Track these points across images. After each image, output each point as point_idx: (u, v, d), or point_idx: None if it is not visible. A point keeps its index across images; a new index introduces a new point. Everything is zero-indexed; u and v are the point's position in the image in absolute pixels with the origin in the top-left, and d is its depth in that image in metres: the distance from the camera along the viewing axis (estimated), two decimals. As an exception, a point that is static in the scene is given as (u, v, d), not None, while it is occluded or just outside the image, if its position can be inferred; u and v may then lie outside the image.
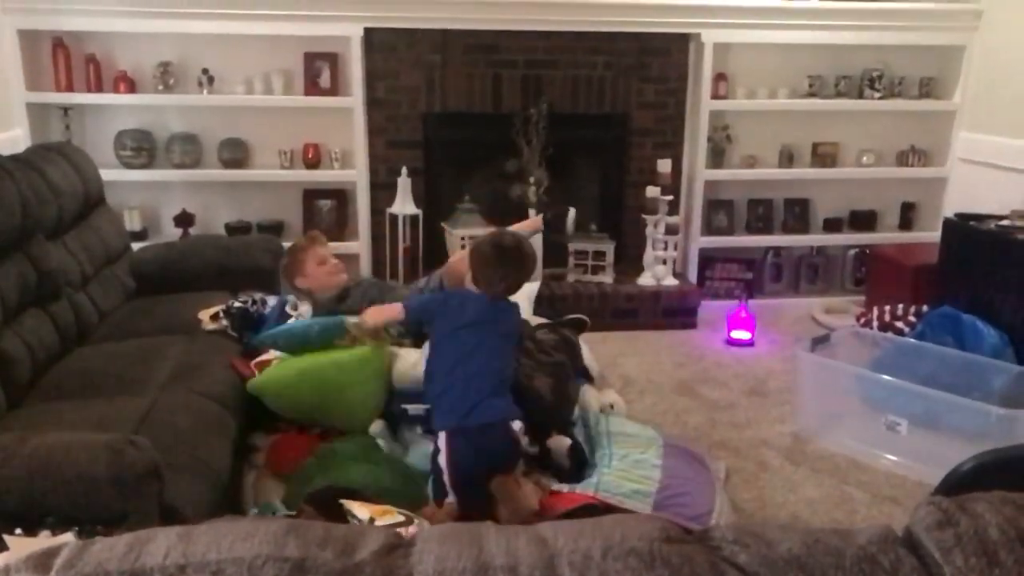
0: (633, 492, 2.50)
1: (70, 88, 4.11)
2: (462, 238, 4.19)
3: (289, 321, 3.02)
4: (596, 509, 2.36)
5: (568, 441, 2.68)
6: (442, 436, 2.38)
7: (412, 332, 2.98)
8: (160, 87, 4.19)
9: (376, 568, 0.80)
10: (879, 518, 2.72)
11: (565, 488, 2.52)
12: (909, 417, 3.03)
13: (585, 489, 2.50)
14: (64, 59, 4.07)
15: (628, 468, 2.62)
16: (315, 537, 0.83)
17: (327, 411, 2.73)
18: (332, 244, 4.36)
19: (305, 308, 3.15)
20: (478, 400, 2.40)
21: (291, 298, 3.19)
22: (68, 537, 1.66)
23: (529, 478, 2.47)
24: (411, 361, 2.80)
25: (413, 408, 2.68)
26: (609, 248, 4.43)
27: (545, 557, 0.81)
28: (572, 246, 4.43)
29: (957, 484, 1.71)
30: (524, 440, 2.46)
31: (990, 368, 3.23)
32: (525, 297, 3.79)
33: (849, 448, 3.14)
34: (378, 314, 2.81)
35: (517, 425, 2.42)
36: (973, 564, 0.80)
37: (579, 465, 2.65)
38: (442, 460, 2.36)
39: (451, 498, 2.37)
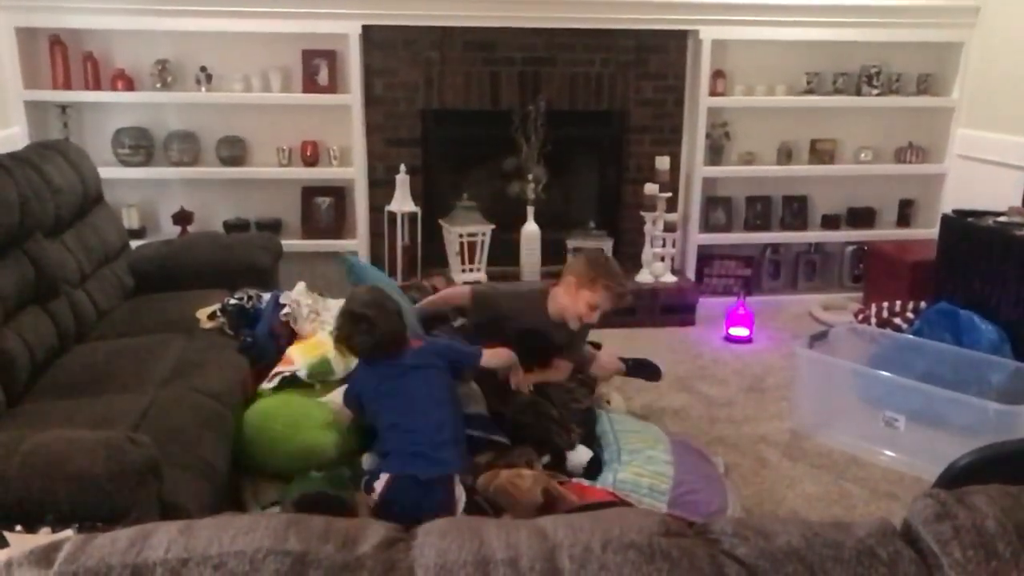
0: (650, 490, 2.50)
1: (68, 86, 4.10)
2: (461, 235, 4.21)
3: (283, 311, 3.01)
4: (614, 506, 2.36)
5: (589, 455, 2.68)
6: (383, 477, 2.30)
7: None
8: (158, 85, 4.19)
9: (377, 561, 0.80)
10: (877, 514, 2.72)
11: (586, 483, 2.52)
12: (907, 413, 3.04)
13: (603, 486, 2.50)
14: (62, 57, 4.07)
15: (641, 464, 2.62)
16: (316, 531, 0.83)
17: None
18: (330, 242, 4.41)
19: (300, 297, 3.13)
20: (432, 451, 2.31)
21: (285, 292, 3.19)
22: (68, 534, 1.65)
23: (526, 468, 2.44)
24: None
25: None
26: (607, 245, 4.43)
27: (545, 550, 0.82)
28: (570, 243, 4.43)
29: (955, 479, 1.72)
30: (462, 498, 2.29)
31: (988, 364, 3.24)
32: None
33: (847, 444, 3.15)
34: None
35: (459, 492, 2.28)
36: (971, 556, 0.80)
37: (594, 470, 2.67)
38: (377, 488, 2.29)
39: None
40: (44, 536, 1.66)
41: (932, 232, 4.16)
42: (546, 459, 2.63)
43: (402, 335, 2.55)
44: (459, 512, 2.26)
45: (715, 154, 4.65)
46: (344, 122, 4.29)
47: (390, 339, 2.49)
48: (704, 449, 2.99)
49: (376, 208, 4.36)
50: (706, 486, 2.64)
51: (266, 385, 2.71)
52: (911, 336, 3.54)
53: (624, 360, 3.30)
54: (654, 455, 2.68)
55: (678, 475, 2.59)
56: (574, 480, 2.53)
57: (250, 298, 3.10)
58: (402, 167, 4.24)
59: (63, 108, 4.14)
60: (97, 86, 4.13)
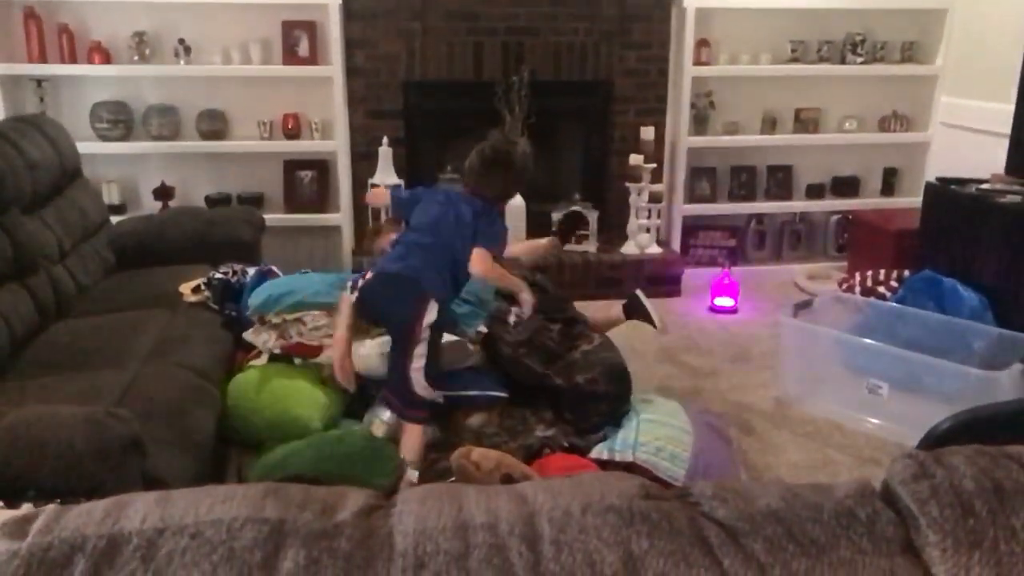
0: (671, 456, 2.50)
1: (43, 59, 4.03)
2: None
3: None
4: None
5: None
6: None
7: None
8: (136, 57, 4.12)
9: (356, 529, 0.80)
10: (860, 480, 2.75)
11: (605, 453, 2.52)
12: (890, 380, 3.06)
13: (623, 450, 2.50)
14: (37, 29, 4.00)
15: (660, 428, 2.63)
16: (294, 499, 0.83)
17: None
18: (313, 216, 4.38)
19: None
20: (407, 261, 2.56)
21: (273, 267, 3.17)
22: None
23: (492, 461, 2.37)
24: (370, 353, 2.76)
25: None
26: (592, 217, 4.42)
27: (525, 514, 0.81)
28: (555, 215, 4.42)
29: (935, 443, 1.73)
30: (431, 316, 2.46)
31: (970, 331, 3.26)
32: None
33: (831, 412, 3.17)
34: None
35: (431, 314, 2.46)
36: (948, 515, 0.81)
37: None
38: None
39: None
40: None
41: (916, 201, 4.16)
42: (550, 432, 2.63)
43: (478, 186, 2.87)
44: (422, 331, 2.45)
45: (700, 124, 4.63)
46: (325, 94, 4.24)
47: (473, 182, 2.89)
48: (717, 420, 2.98)
49: (359, 181, 4.33)
50: (722, 456, 2.65)
51: (256, 362, 2.70)
52: (895, 304, 3.55)
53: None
54: (673, 423, 2.69)
55: (696, 444, 2.60)
56: (593, 453, 2.53)
57: (235, 273, 3.08)
58: (385, 139, 4.20)
59: (39, 82, 4.08)
60: (73, 59, 4.06)
